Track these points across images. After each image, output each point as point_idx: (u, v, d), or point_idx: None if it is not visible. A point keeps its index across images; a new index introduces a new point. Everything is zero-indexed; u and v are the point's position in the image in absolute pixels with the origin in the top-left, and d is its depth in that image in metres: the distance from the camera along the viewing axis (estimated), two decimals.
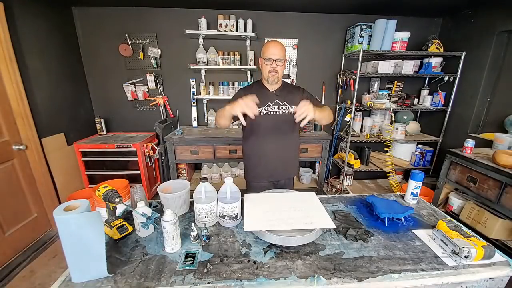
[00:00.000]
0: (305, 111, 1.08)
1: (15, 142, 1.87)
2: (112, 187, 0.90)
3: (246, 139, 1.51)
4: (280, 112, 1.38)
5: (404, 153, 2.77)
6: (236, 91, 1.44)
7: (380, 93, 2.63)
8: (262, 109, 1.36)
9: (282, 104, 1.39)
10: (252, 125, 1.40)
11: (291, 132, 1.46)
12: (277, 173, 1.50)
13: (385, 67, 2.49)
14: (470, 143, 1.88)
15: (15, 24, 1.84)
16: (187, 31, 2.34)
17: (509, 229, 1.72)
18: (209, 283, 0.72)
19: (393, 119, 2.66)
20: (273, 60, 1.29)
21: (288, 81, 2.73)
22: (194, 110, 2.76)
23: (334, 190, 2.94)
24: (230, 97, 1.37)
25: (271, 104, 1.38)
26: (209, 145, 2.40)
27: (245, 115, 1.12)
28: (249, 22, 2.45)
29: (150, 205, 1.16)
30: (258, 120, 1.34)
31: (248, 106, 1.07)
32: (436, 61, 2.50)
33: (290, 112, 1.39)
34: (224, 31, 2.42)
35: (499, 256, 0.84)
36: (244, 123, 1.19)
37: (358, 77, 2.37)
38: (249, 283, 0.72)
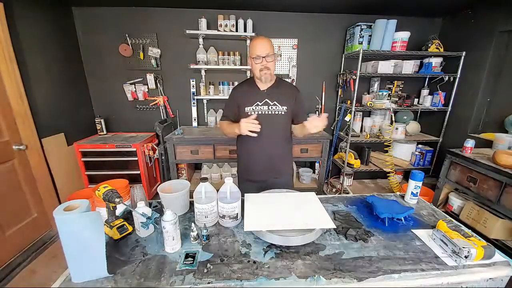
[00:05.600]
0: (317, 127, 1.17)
1: (15, 142, 1.86)
2: (112, 187, 0.90)
3: (238, 137, 1.48)
4: (270, 112, 1.34)
5: (404, 153, 2.77)
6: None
7: (380, 93, 2.63)
8: (250, 108, 1.34)
9: (272, 103, 1.34)
10: None
11: (281, 132, 1.41)
12: (266, 172, 1.44)
13: (385, 67, 2.49)
14: (470, 143, 1.88)
15: (15, 24, 1.84)
16: (187, 31, 2.34)
17: (509, 229, 1.72)
18: (209, 283, 0.72)
19: (393, 119, 2.66)
20: (262, 57, 1.24)
21: (289, 81, 2.72)
22: (194, 110, 2.76)
23: (334, 190, 2.94)
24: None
25: (260, 104, 1.34)
26: (209, 145, 2.40)
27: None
28: (249, 22, 2.45)
29: (150, 205, 1.16)
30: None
31: (250, 126, 1.20)
32: (436, 61, 2.49)
33: (280, 112, 1.35)
34: (224, 31, 2.42)
35: (499, 256, 0.84)
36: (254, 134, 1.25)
37: (358, 77, 2.37)
38: (249, 283, 0.72)
